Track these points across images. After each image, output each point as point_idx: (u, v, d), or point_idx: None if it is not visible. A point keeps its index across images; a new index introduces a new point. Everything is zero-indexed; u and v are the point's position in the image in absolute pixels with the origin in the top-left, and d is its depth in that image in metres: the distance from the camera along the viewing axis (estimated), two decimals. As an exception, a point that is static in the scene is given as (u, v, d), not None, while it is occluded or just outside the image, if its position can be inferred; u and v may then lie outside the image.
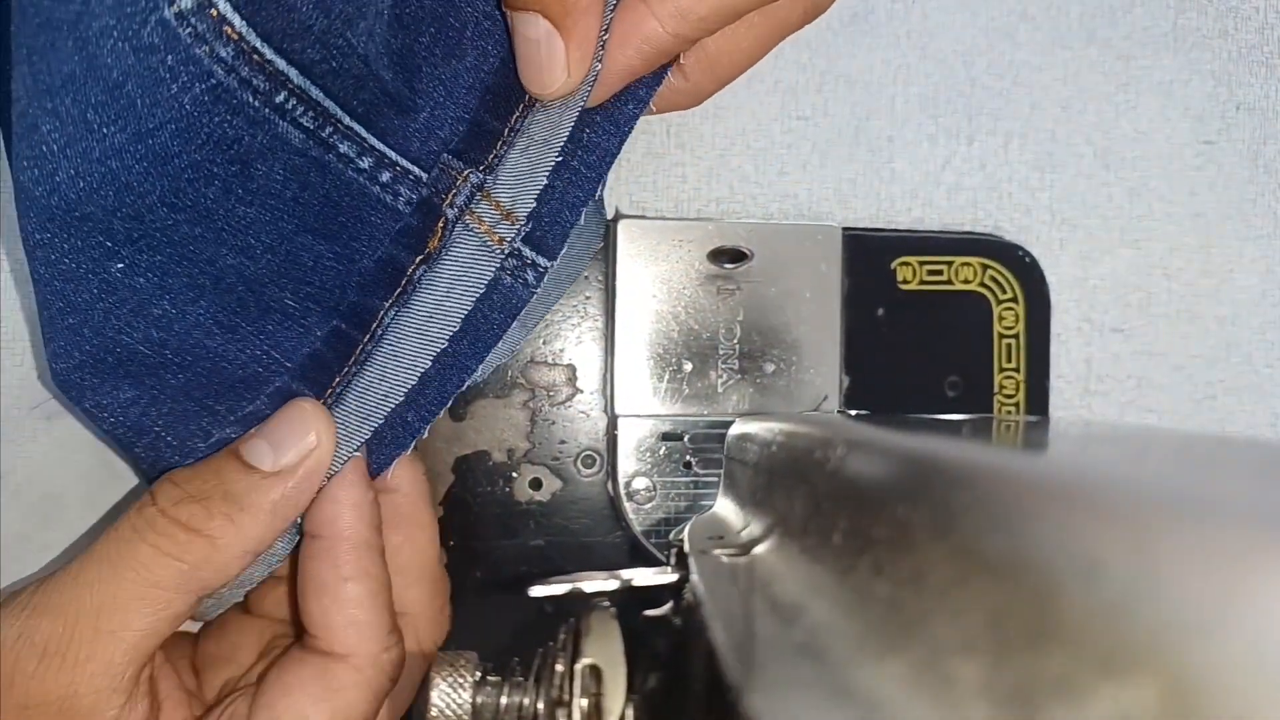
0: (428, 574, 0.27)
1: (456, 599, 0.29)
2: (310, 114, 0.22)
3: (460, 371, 0.25)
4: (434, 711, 0.25)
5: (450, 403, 0.25)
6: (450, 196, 0.24)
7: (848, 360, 0.32)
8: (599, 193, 0.29)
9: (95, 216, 0.22)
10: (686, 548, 0.25)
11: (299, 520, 0.25)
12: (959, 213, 0.34)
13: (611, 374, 0.31)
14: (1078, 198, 0.34)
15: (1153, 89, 0.34)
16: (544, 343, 0.31)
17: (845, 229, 0.32)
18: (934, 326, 0.33)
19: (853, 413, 0.32)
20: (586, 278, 0.31)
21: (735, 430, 0.30)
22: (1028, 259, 0.33)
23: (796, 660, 0.16)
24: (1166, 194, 0.35)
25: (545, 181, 0.24)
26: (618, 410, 0.31)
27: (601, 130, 0.24)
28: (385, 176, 0.24)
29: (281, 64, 0.21)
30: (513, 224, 0.24)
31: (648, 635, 0.24)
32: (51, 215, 0.22)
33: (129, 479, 0.30)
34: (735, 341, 0.31)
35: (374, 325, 0.25)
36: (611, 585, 0.25)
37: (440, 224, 0.24)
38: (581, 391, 0.31)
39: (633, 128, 0.25)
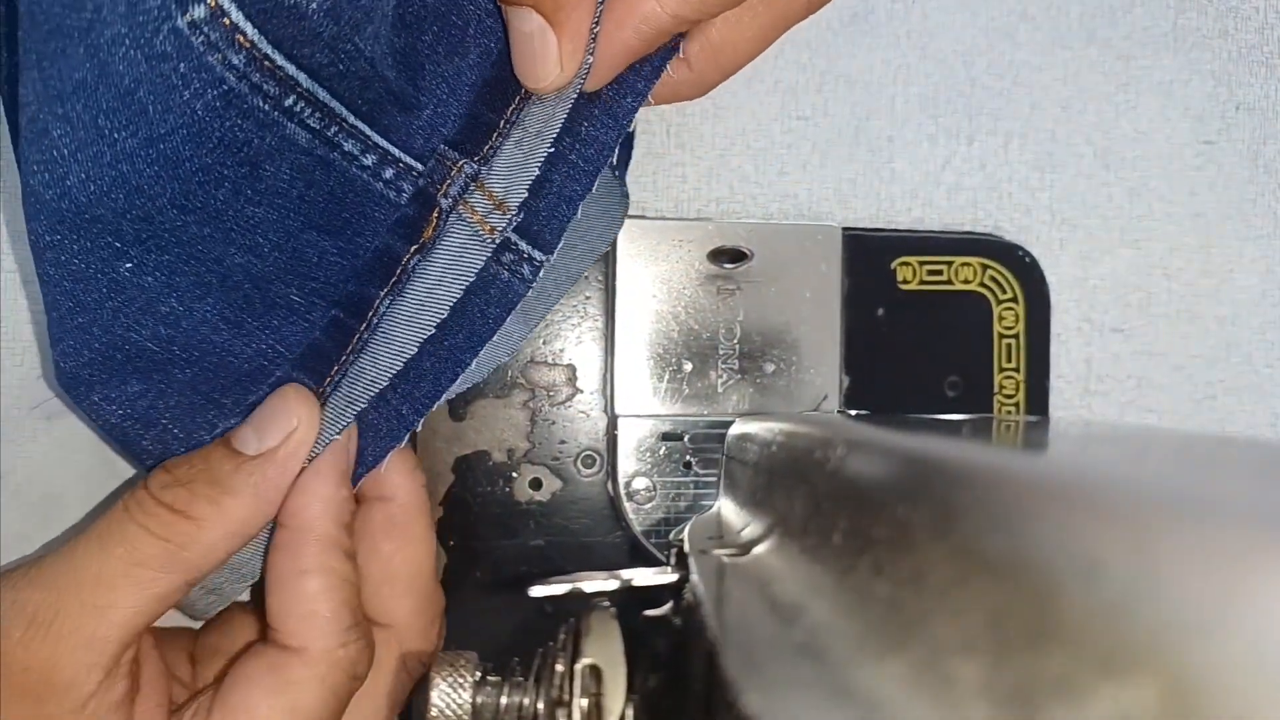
0: (418, 587, 0.27)
1: (456, 599, 0.29)
2: (317, 115, 0.22)
3: (454, 365, 0.25)
4: (434, 711, 0.25)
5: (446, 398, 0.25)
6: (445, 186, 0.24)
7: (848, 360, 0.32)
8: (621, 193, 0.29)
9: (105, 219, 0.22)
10: (686, 548, 0.25)
11: None
12: (959, 213, 0.34)
13: (611, 374, 0.31)
14: (1078, 198, 0.34)
15: (1153, 89, 0.34)
16: (544, 343, 0.31)
17: (845, 229, 0.32)
18: (934, 326, 0.33)
19: (853, 413, 0.32)
20: (586, 278, 0.31)
21: (735, 430, 0.30)
22: (1028, 259, 0.33)
23: (796, 660, 0.16)
24: (1166, 194, 0.35)
25: (538, 172, 0.24)
26: (618, 410, 0.31)
27: (600, 124, 0.24)
28: (389, 173, 0.24)
29: (291, 69, 0.21)
30: (504, 213, 0.24)
31: (648, 635, 0.24)
32: (61, 218, 0.22)
33: (129, 479, 0.30)
34: (735, 341, 0.31)
35: (370, 314, 0.25)
36: (611, 585, 0.25)
37: (435, 214, 0.24)
38: (581, 391, 0.31)
39: (631, 121, 0.25)
